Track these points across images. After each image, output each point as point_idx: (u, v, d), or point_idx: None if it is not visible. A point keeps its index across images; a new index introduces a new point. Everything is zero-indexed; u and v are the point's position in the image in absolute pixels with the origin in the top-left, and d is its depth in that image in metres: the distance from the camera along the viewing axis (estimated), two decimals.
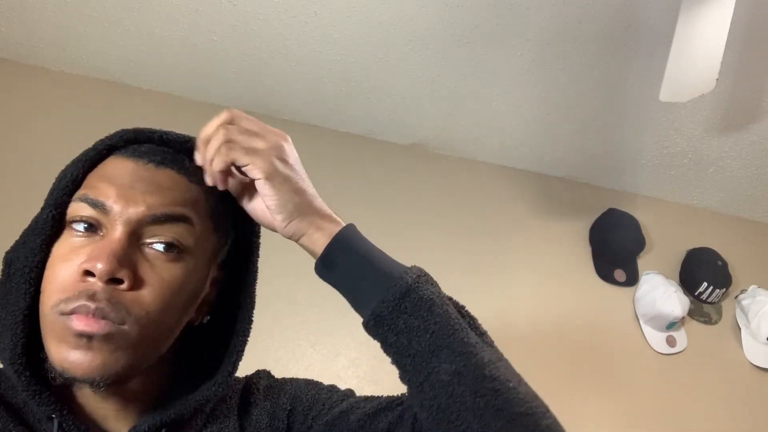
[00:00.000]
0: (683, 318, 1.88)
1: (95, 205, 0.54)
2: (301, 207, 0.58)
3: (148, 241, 0.54)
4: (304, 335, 1.59)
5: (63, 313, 0.51)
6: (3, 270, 0.57)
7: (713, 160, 1.91)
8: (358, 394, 0.71)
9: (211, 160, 0.57)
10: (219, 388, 0.60)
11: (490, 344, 0.58)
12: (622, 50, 1.54)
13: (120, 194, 0.54)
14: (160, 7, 1.52)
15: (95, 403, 0.57)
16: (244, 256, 0.66)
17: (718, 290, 1.92)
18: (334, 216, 0.61)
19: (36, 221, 0.56)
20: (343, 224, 0.61)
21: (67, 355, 0.50)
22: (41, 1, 1.52)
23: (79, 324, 0.50)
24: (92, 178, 0.57)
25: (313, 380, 0.71)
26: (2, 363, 0.55)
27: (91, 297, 0.51)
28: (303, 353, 1.59)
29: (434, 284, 0.59)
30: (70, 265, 0.52)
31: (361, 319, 0.58)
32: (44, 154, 1.59)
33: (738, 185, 2.02)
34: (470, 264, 1.84)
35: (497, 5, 1.43)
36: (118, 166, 0.57)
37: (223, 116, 0.57)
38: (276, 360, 1.54)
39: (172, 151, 0.61)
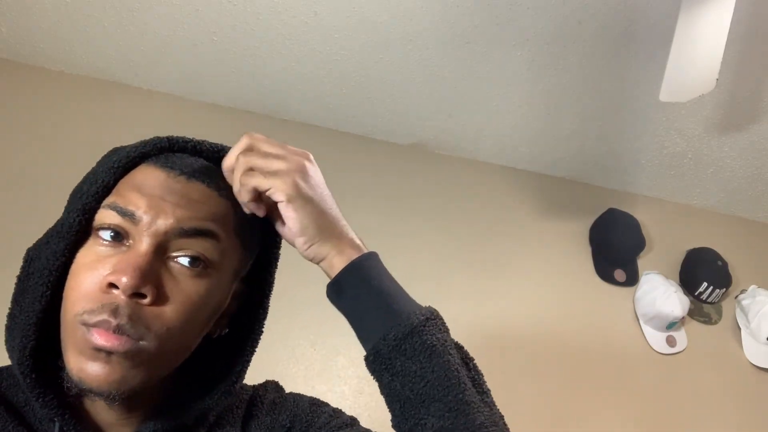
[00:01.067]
0: (683, 318, 1.88)
1: (124, 214, 0.53)
2: (322, 230, 0.57)
3: (174, 254, 0.54)
4: (304, 335, 1.59)
5: (85, 324, 0.50)
6: (23, 266, 0.57)
7: (713, 160, 1.91)
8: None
9: (239, 192, 0.57)
10: (222, 397, 0.60)
11: (489, 405, 0.55)
12: (622, 50, 1.54)
13: (150, 205, 0.53)
14: (160, 7, 1.52)
15: (99, 409, 0.57)
16: (264, 267, 0.66)
17: (718, 290, 1.92)
18: (357, 240, 0.60)
19: (62, 224, 0.55)
20: (365, 250, 0.59)
21: (84, 366, 0.50)
22: (41, 1, 1.52)
23: (100, 339, 0.50)
24: (123, 186, 0.55)
25: (318, 401, 0.70)
26: (10, 360, 0.55)
27: (114, 312, 0.50)
28: (303, 353, 1.59)
29: (443, 330, 0.57)
30: (95, 275, 0.52)
31: None
32: (44, 155, 1.59)
33: (738, 185, 2.02)
34: (470, 264, 1.84)
35: (497, 5, 1.43)
36: (149, 176, 0.56)
37: (243, 143, 0.57)
38: (276, 360, 1.54)
39: (204, 162, 0.60)
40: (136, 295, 0.51)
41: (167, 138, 0.59)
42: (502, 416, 0.55)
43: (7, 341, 0.56)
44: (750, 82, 1.62)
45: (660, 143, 1.86)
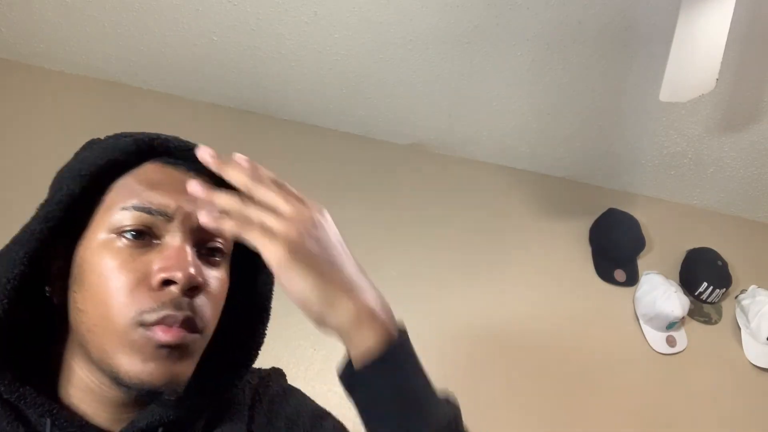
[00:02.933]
0: (683, 318, 1.88)
1: (156, 213, 0.53)
2: (330, 301, 0.49)
3: (204, 246, 0.55)
4: (304, 335, 1.59)
5: (144, 324, 0.50)
6: None
7: (713, 160, 1.91)
8: None
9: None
10: (222, 393, 0.60)
11: None
12: (622, 50, 1.54)
13: (180, 200, 0.54)
14: (160, 7, 1.52)
15: (90, 401, 0.56)
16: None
17: (718, 290, 1.92)
18: (378, 311, 0.50)
19: (24, 232, 0.54)
20: (388, 325, 0.50)
21: (146, 367, 0.50)
22: (41, 1, 1.52)
23: (165, 336, 0.50)
24: (136, 186, 0.55)
25: (321, 412, 0.67)
26: None
27: (177, 306, 0.51)
28: (303, 353, 1.59)
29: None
30: (137, 275, 0.51)
31: None
32: (44, 155, 1.59)
33: (738, 185, 2.02)
34: (470, 264, 1.84)
35: (497, 5, 1.43)
36: (163, 174, 0.56)
37: (240, 181, 0.51)
38: (276, 360, 1.53)
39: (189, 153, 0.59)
40: (190, 289, 0.52)
41: (133, 140, 0.57)
42: None
43: None
44: (750, 82, 1.62)
45: (660, 143, 1.86)
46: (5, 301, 0.53)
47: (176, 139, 0.60)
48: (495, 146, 1.96)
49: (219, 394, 0.61)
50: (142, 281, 0.51)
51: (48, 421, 0.53)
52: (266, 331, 0.65)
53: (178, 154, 0.59)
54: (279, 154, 1.84)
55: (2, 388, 0.53)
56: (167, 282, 0.51)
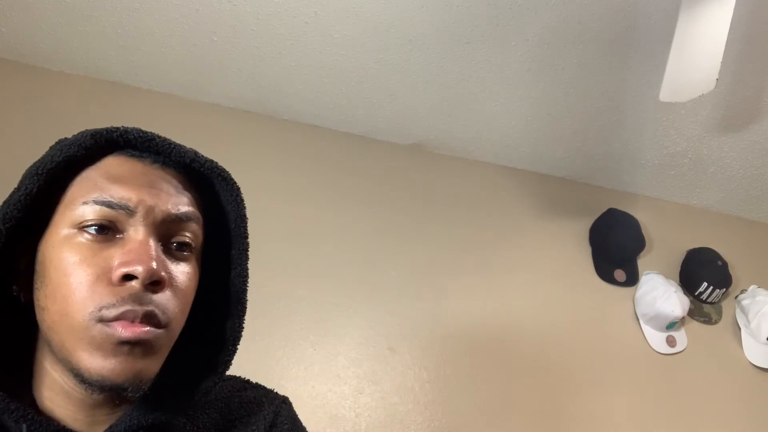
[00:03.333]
0: (683, 318, 1.88)
1: (118, 207, 0.52)
2: None
3: (169, 240, 0.54)
4: (304, 335, 1.59)
5: (103, 320, 0.49)
6: None
7: (713, 160, 1.91)
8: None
9: None
10: (202, 396, 0.59)
11: None
12: (622, 50, 1.54)
13: (141, 195, 0.53)
14: (160, 7, 1.52)
15: (65, 404, 0.55)
16: (225, 246, 0.63)
17: (718, 290, 1.92)
18: None
19: None
20: None
21: (105, 363, 0.49)
22: (41, 1, 1.52)
23: (125, 332, 0.49)
24: (98, 180, 0.54)
25: None
26: None
27: (138, 301, 0.50)
28: (303, 353, 1.59)
29: None
30: (97, 270, 0.50)
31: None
32: None
33: (738, 185, 2.02)
34: (470, 264, 1.84)
35: (497, 5, 1.43)
36: (125, 167, 0.55)
37: None
38: (276, 360, 1.54)
39: (155, 146, 0.58)
40: (152, 283, 0.51)
41: (90, 135, 0.56)
42: None
43: None
44: (750, 82, 1.62)
45: (660, 143, 1.86)
46: None
47: (137, 130, 0.58)
48: (495, 146, 1.96)
49: (201, 395, 0.60)
50: (101, 276, 0.50)
51: (24, 426, 0.52)
52: (243, 326, 0.63)
53: (140, 146, 0.57)
54: (279, 154, 1.84)
55: None
56: (128, 277, 0.50)
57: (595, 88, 1.67)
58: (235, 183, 0.62)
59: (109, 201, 0.52)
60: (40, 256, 0.54)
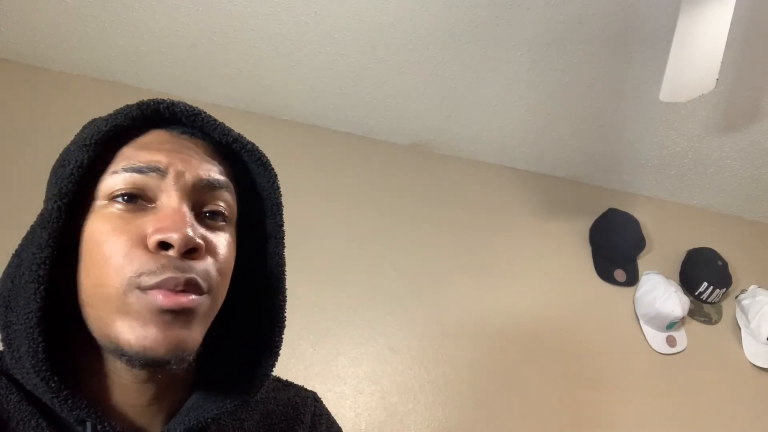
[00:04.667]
0: (683, 318, 1.88)
1: (147, 170, 0.49)
2: None
3: (203, 210, 0.52)
4: (304, 335, 1.59)
5: (141, 287, 0.46)
6: (13, 269, 0.52)
7: (713, 160, 1.91)
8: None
9: None
10: (252, 394, 0.58)
11: None
12: (622, 50, 1.54)
13: (173, 158, 0.51)
14: (160, 6, 1.52)
15: (129, 402, 0.53)
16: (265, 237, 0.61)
17: (718, 290, 1.92)
18: None
19: (41, 215, 0.51)
20: None
21: (146, 333, 0.46)
22: (41, 1, 1.52)
23: (166, 300, 0.46)
24: (127, 151, 0.51)
25: None
26: (20, 374, 0.50)
27: (179, 268, 0.47)
28: (303, 353, 1.59)
29: None
30: (131, 239, 0.47)
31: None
32: (45, 155, 1.59)
33: (738, 185, 2.02)
34: (470, 264, 1.84)
35: (497, 5, 1.43)
36: (152, 137, 0.53)
37: None
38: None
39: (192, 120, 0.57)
40: (188, 252, 0.48)
41: (137, 105, 0.55)
42: None
43: (8, 352, 0.50)
44: (750, 82, 1.62)
45: (660, 143, 1.86)
46: (41, 287, 0.48)
47: (183, 103, 0.56)
48: (495, 146, 1.96)
49: (262, 378, 0.58)
50: (137, 242, 0.47)
51: (88, 425, 0.49)
52: (285, 317, 0.61)
53: (185, 120, 0.56)
54: (279, 154, 1.83)
55: (54, 393, 0.48)
56: (163, 245, 0.47)
57: (595, 88, 1.67)
58: (273, 169, 0.60)
59: (139, 166, 0.50)
60: (80, 234, 0.51)
